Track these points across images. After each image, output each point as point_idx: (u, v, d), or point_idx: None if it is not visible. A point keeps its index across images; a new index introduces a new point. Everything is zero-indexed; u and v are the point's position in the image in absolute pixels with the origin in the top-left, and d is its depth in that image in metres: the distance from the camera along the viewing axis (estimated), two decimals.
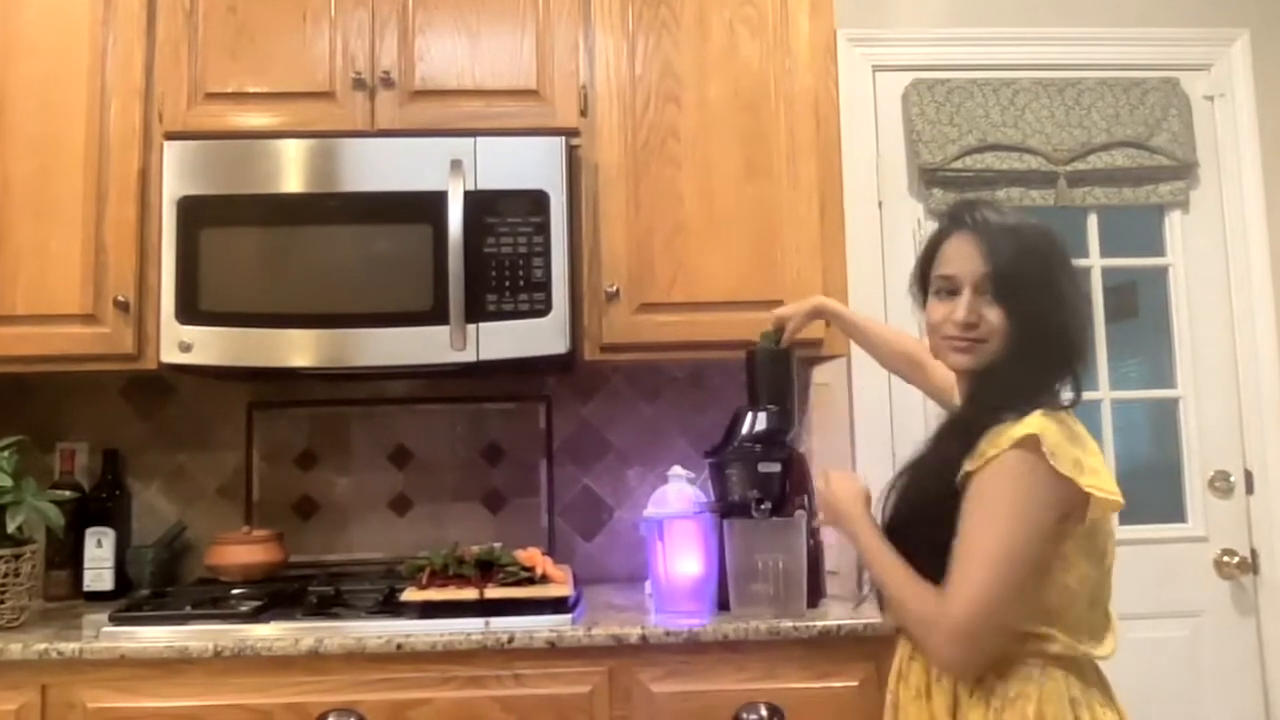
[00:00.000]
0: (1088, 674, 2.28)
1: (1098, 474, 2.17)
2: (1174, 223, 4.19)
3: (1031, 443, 2.14)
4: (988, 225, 2.36)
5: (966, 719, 2.25)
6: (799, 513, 3.09)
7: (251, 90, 3.50)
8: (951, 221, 2.44)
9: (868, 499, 2.54)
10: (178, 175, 3.35)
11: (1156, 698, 3.83)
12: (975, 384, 2.39)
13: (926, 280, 2.47)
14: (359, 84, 3.48)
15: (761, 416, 3.15)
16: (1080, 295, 2.37)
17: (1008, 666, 2.23)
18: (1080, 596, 2.23)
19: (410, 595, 3.01)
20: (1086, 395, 3.86)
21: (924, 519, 2.31)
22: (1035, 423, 2.17)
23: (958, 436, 2.32)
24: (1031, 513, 2.16)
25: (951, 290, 2.37)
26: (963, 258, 2.36)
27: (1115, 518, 2.31)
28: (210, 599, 3.19)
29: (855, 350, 3.35)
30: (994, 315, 2.31)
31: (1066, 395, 2.33)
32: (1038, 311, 2.29)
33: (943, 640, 2.21)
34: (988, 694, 2.23)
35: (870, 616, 2.91)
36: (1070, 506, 2.17)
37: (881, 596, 2.45)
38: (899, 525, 2.40)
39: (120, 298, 3.35)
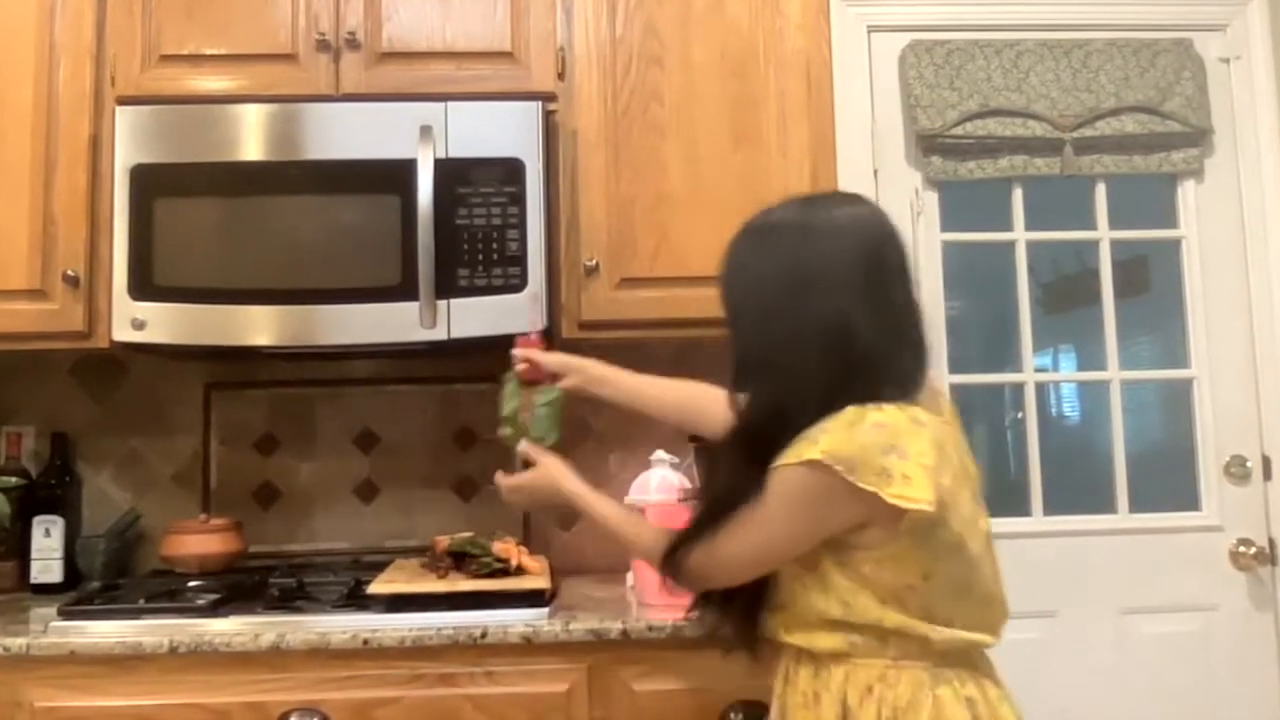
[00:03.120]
0: (981, 665, 2.34)
1: (909, 481, 2.17)
2: (1187, 192, 4.19)
3: (822, 464, 2.18)
4: (729, 244, 2.51)
5: None
6: None
7: (209, 52, 3.49)
8: None
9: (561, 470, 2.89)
10: (131, 142, 3.35)
11: (1168, 695, 3.86)
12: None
13: None
14: (323, 45, 3.48)
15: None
16: (817, 289, 2.31)
17: (896, 673, 2.27)
18: (938, 591, 2.26)
19: (377, 588, 3.01)
20: (1095, 375, 3.88)
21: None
22: (833, 437, 2.20)
23: (744, 444, 2.38)
24: (805, 523, 2.27)
25: None
26: None
27: (968, 505, 2.32)
28: (165, 592, 3.20)
29: None
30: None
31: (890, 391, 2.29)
32: (757, 321, 2.39)
33: (669, 566, 2.47)
34: (878, 703, 2.26)
35: None
36: (875, 514, 2.21)
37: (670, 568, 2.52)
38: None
39: (69, 272, 3.35)
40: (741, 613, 2.51)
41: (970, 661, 2.31)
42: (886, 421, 2.21)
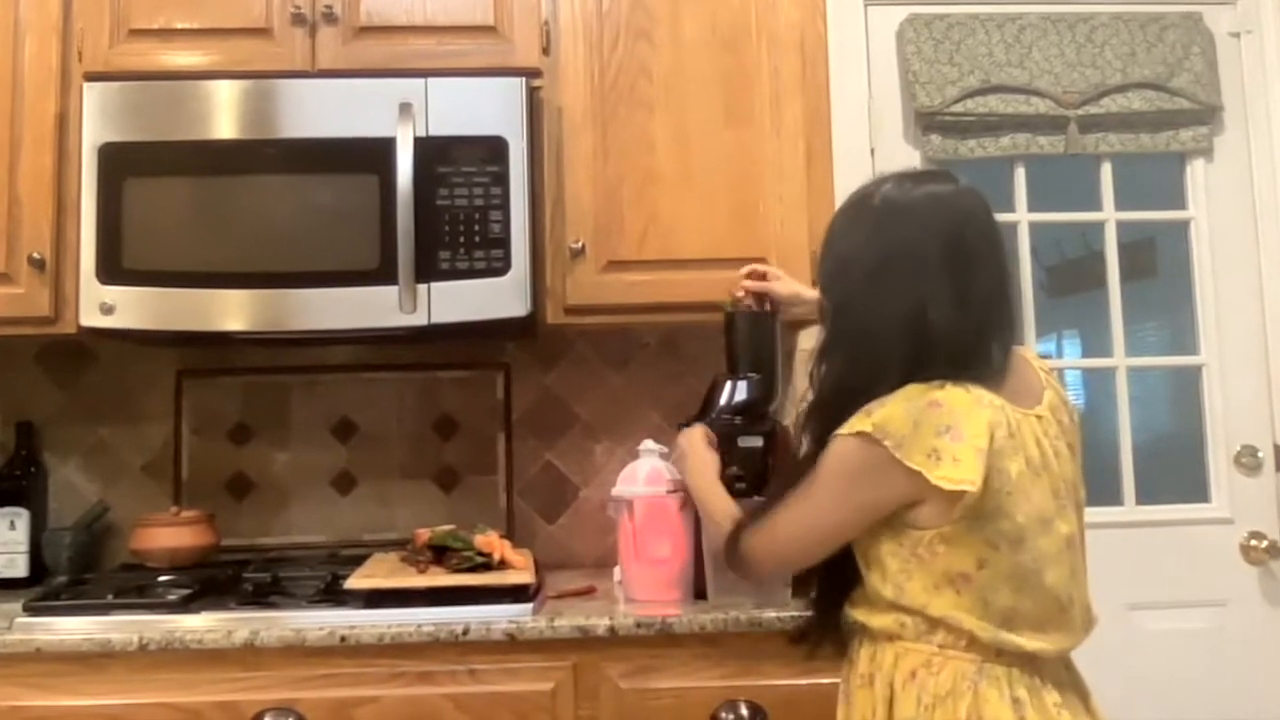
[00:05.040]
0: (1045, 672, 2.32)
1: (958, 463, 2.21)
2: (1196, 172, 4.20)
3: (870, 437, 2.26)
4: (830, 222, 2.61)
5: (899, 711, 2.32)
6: None
7: (180, 26, 3.48)
8: None
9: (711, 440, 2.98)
10: (99, 120, 3.34)
11: (1178, 693, 3.86)
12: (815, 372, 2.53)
13: None
14: (298, 19, 3.47)
15: (741, 386, 3.16)
16: (914, 271, 2.38)
17: (941, 660, 2.29)
18: (993, 582, 2.28)
19: (355, 582, 3.01)
20: (1100, 362, 3.89)
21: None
22: (888, 411, 2.28)
23: (817, 418, 2.48)
24: (851, 496, 2.36)
25: None
26: None
27: (1042, 501, 2.33)
28: (135, 587, 3.21)
29: None
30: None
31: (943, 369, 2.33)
32: (841, 297, 2.48)
33: (730, 551, 2.60)
34: (919, 688, 2.29)
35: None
36: (925, 493, 2.25)
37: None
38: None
39: (35, 255, 3.35)
40: (825, 602, 2.60)
41: (1032, 663, 2.30)
42: (945, 401, 2.25)
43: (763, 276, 3.29)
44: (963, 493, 2.19)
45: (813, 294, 2.93)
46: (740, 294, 3.22)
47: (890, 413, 2.25)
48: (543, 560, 3.54)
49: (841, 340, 2.46)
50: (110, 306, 3.27)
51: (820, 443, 2.39)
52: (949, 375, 2.28)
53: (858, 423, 2.28)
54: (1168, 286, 4.25)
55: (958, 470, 2.19)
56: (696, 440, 2.98)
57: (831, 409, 2.39)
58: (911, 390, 2.27)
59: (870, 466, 2.27)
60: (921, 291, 2.33)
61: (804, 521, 2.42)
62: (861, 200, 2.52)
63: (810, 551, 2.48)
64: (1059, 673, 2.36)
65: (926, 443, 2.22)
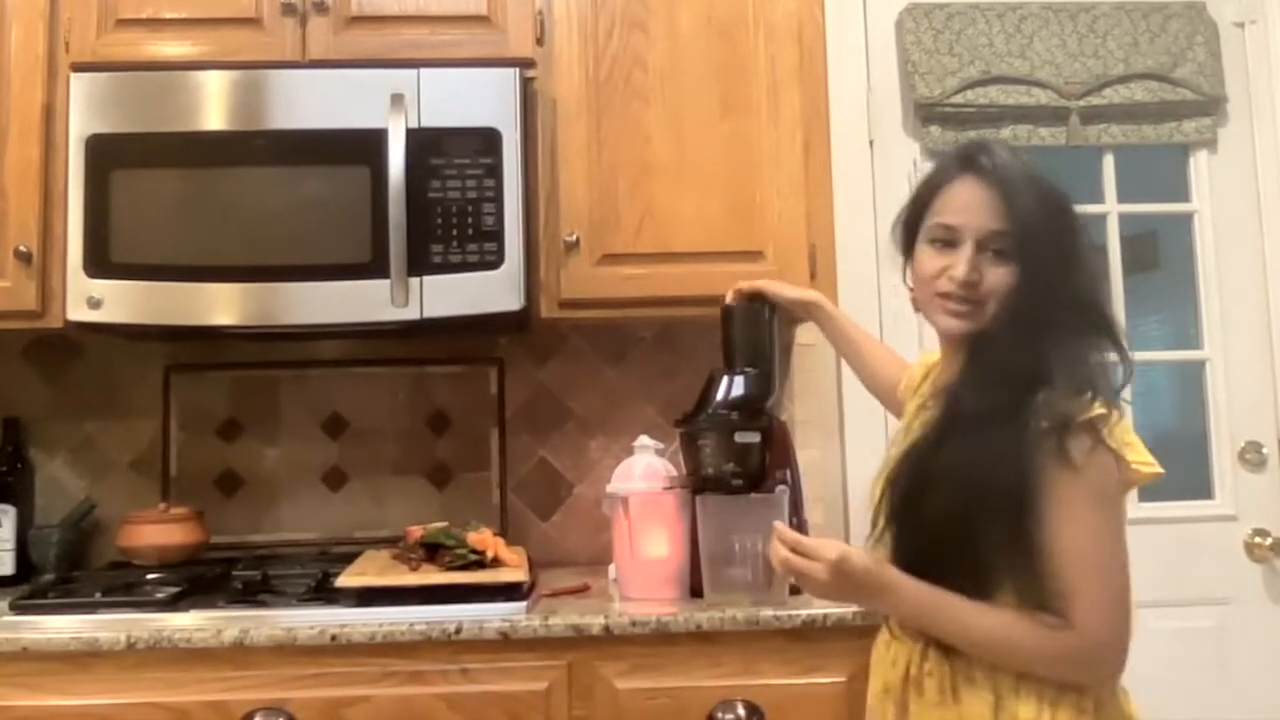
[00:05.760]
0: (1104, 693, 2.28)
1: (1134, 448, 2.21)
2: (1200, 164, 4.20)
3: (1095, 426, 2.16)
4: (1004, 173, 2.36)
5: (1023, 711, 2.22)
6: (780, 488, 3.06)
7: (169, 16, 3.48)
8: (960, 164, 2.43)
9: (859, 560, 2.31)
10: (86, 111, 3.34)
11: (1180, 693, 3.84)
12: (975, 351, 2.37)
13: (916, 225, 2.47)
14: (289, 9, 3.47)
15: (738, 381, 3.14)
16: (1099, 265, 2.36)
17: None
18: None
19: (346, 580, 3.01)
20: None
21: (988, 516, 2.20)
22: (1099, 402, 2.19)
23: (997, 410, 2.25)
24: (1116, 502, 2.23)
25: (950, 241, 2.37)
26: (971, 208, 2.35)
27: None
28: (122, 585, 3.21)
29: (843, 308, 3.36)
30: (995, 276, 2.31)
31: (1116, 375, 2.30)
32: (1052, 277, 2.29)
33: (1105, 671, 2.24)
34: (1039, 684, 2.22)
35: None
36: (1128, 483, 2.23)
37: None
38: (938, 532, 2.27)
39: (21, 248, 3.34)
40: None
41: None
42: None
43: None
44: (1157, 474, 2.20)
45: (808, 294, 3.00)
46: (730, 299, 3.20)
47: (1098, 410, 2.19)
48: (537, 558, 3.56)
49: (1033, 324, 2.28)
50: (98, 301, 3.27)
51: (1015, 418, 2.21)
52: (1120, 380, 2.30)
53: (1092, 412, 2.18)
54: (1171, 280, 4.25)
55: (1139, 454, 2.20)
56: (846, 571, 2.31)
57: (1008, 401, 2.23)
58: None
59: (1103, 460, 2.18)
60: (1095, 280, 2.38)
61: (1106, 556, 2.21)
62: (1037, 175, 2.40)
63: (1129, 584, 2.22)
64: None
65: (1119, 436, 2.19)
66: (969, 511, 2.21)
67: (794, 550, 2.33)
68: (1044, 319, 2.27)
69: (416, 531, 3.20)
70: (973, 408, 2.29)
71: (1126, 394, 2.29)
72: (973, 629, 2.24)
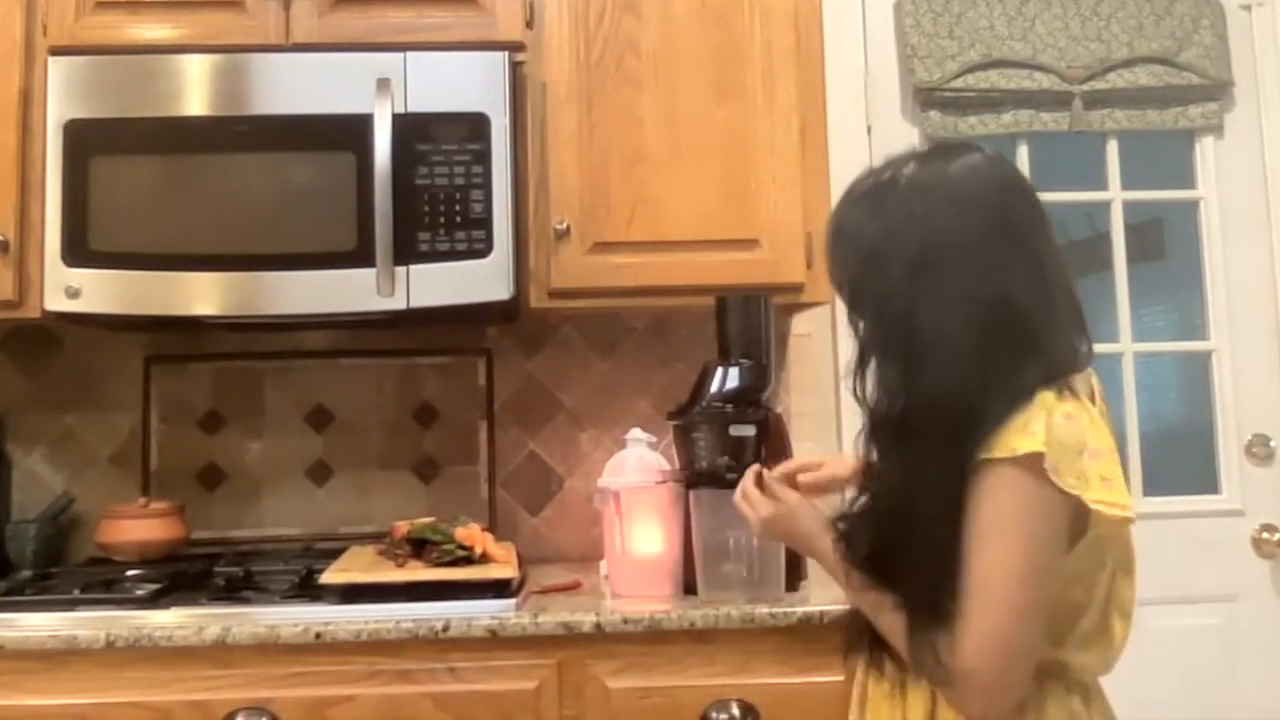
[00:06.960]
0: (1090, 691, 2.27)
1: (1110, 485, 2.05)
2: (1206, 150, 4.22)
3: (1033, 462, 2.01)
4: (836, 219, 2.35)
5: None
6: None
7: None
8: None
9: (783, 528, 2.55)
10: (64, 95, 3.33)
11: (1187, 691, 3.87)
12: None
13: None
14: None
15: (733, 372, 3.15)
16: (995, 258, 2.15)
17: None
18: (1089, 607, 2.20)
19: (331, 577, 3.01)
20: (1106, 348, 3.89)
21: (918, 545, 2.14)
22: (1039, 428, 2.03)
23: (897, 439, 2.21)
24: (1042, 526, 2.05)
25: None
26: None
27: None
28: (102, 582, 3.20)
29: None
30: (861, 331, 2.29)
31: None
32: (879, 297, 2.23)
33: (974, 706, 2.12)
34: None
35: None
36: (1079, 526, 2.10)
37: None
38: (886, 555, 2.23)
39: None
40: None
41: (1082, 686, 2.25)
42: (1075, 414, 2.08)
43: (793, 475, 2.80)
44: (1129, 519, 2.07)
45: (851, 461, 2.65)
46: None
47: (1047, 427, 2.02)
48: (526, 554, 3.54)
49: (894, 346, 2.19)
50: (76, 290, 3.26)
51: (905, 471, 2.15)
52: (1054, 375, 2.11)
53: (1021, 442, 2.02)
54: (1176, 269, 4.26)
55: (1111, 493, 2.04)
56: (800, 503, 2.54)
57: (929, 427, 2.11)
58: (1048, 399, 2.07)
59: (1034, 485, 2.01)
60: (996, 277, 2.12)
61: (1011, 580, 2.04)
62: (882, 186, 2.28)
63: (1033, 613, 2.07)
64: (1099, 689, 2.32)
65: (1074, 464, 2.02)
66: (900, 537, 2.16)
67: (744, 494, 2.62)
68: (906, 343, 2.16)
69: (403, 527, 3.20)
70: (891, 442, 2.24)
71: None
72: (880, 622, 2.28)
